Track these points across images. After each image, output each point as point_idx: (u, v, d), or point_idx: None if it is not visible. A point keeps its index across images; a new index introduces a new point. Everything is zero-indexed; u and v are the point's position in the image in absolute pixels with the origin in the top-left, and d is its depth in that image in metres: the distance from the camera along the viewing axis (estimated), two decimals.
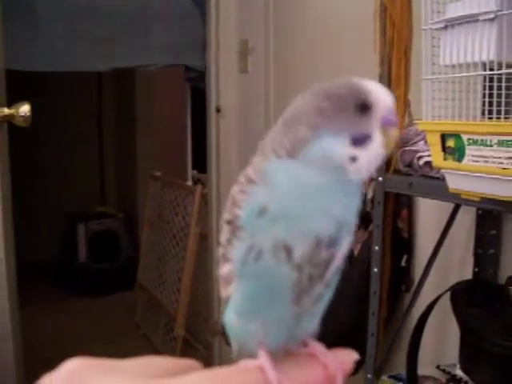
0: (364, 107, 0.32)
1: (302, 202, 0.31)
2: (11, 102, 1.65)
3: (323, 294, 0.34)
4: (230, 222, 0.33)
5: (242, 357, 0.34)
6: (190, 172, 3.32)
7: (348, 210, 0.32)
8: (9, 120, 1.51)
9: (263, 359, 0.32)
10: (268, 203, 0.31)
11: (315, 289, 0.33)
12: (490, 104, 0.89)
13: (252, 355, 0.33)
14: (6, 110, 1.49)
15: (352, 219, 0.32)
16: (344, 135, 0.31)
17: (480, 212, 1.42)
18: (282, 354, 0.34)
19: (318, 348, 0.34)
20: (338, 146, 0.31)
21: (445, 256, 1.50)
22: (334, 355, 0.34)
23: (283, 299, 0.33)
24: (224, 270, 0.35)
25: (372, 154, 0.32)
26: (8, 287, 1.65)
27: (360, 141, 0.31)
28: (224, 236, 0.34)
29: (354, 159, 0.31)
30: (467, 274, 1.45)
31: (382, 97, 0.32)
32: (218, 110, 2.60)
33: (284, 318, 0.33)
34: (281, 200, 0.31)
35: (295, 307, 0.33)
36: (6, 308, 1.65)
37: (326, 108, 0.31)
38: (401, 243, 1.63)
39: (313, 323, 0.35)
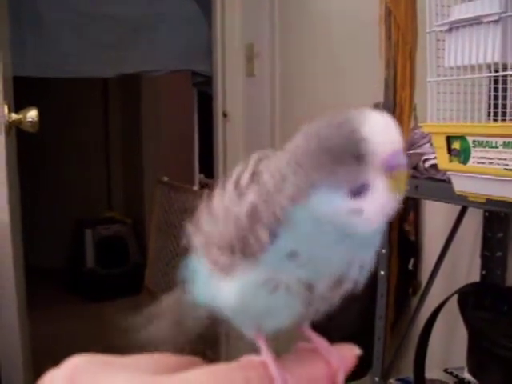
0: (360, 156, 0.29)
1: (325, 249, 0.31)
2: (18, 107, 1.66)
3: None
4: (245, 237, 0.31)
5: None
6: (197, 177, 3.32)
7: (369, 250, 0.32)
8: (16, 125, 1.52)
9: (266, 355, 0.32)
10: (297, 248, 0.31)
11: (325, 305, 0.33)
12: (496, 106, 0.89)
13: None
14: (14, 116, 1.50)
15: (366, 262, 0.32)
16: (341, 190, 0.29)
17: (487, 214, 1.42)
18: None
19: (322, 343, 0.34)
20: (336, 203, 0.29)
21: (452, 259, 1.49)
22: (337, 351, 0.34)
23: (288, 315, 0.33)
24: (220, 259, 0.33)
25: (378, 202, 0.30)
26: (16, 292, 1.65)
27: (360, 191, 0.29)
28: (219, 225, 0.33)
29: (358, 212, 0.29)
30: (475, 276, 1.44)
31: (381, 139, 0.29)
32: (224, 115, 2.60)
33: (285, 322, 0.34)
34: (307, 246, 0.31)
35: (300, 316, 0.33)
36: (14, 313, 1.66)
37: (323, 163, 0.29)
38: (408, 246, 1.63)
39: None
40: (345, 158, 0.29)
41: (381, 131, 0.29)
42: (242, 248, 0.31)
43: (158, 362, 0.31)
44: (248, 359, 0.32)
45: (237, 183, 0.34)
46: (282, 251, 0.31)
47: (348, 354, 0.34)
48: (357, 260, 0.32)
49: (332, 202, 0.29)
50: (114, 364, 0.29)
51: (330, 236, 0.30)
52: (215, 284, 0.34)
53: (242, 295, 0.33)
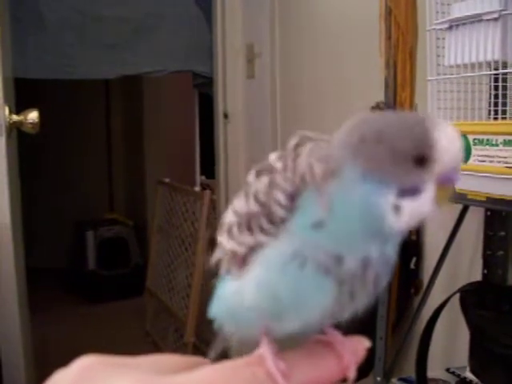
0: (423, 160, 0.29)
1: (357, 226, 0.30)
2: (19, 109, 1.66)
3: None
4: (264, 205, 0.31)
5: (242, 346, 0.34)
6: (199, 178, 3.33)
7: (392, 241, 0.31)
8: (17, 127, 1.52)
9: (265, 349, 0.31)
10: (326, 219, 0.30)
11: (351, 307, 0.32)
12: (496, 104, 0.89)
13: (252, 342, 0.33)
14: (15, 117, 1.50)
15: (390, 256, 0.32)
16: (393, 186, 0.29)
17: (488, 213, 1.41)
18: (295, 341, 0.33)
19: (336, 336, 0.34)
20: (383, 197, 0.29)
21: (453, 258, 1.49)
22: (350, 344, 0.33)
23: (311, 310, 0.32)
24: (230, 246, 0.33)
25: (418, 207, 0.30)
26: (18, 294, 1.65)
27: (408, 192, 0.29)
28: (242, 207, 0.33)
29: (397, 209, 0.29)
30: (476, 275, 1.44)
31: (447, 151, 0.29)
32: (225, 116, 2.60)
33: (303, 321, 0.32)
34: (340, 219, 0.30)
35: (322, 318, 0.32)
36: (15, 314, 1.66)
37: (380, 155, 0.29)
38: (409, 246, 1.62)
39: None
40: (407, 158, 0.29)
41: (451, 143, 0.29)
42: (265, 218, 0.31)
43: (165, 363, 0.31)
44: (254, 355, 0.32)
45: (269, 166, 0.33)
46: (307, 220, 0.30)
47: (359, 347, 0.34)
48: (378, 250, 0.31)
49: (379, 194, 0.29)
50: (123, 365, 0.29)
51: (358, 217, 0.30)
52: (233, 287, 0.34)
53: (267, 279, 0.32)
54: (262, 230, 0.31)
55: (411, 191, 0.29)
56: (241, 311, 0.34)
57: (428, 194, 0.30)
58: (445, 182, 0.30)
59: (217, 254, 0.36)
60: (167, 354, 0.31)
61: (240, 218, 0.33)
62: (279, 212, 0.31)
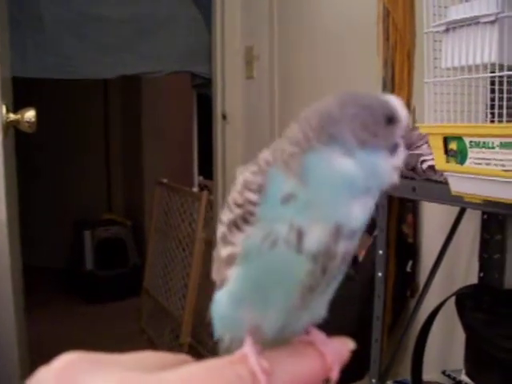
0: (392, 121, 0.33)
1: (334, 192, 0.31)
2: (17, 107, 1.66)
3: (330, 287, 0.34)
4: (240, 206, 0.33)
5: (232, 349, 0.34)
6: (197, 178, 3.32)
7: (365, 209, 0.33)
8: (14, 125, 1.52)
9: (248, 347, 0.32)
10: (297, 191, 0.31)
11: (324, 283, 0.33)
12: (492, 107, 0.89)
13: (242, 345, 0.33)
14: (12, 116, 1.49)
15: (365, 219, 0.33)
16: (384, 149, 0.33)
17: (485, 217, 1.41)
18: (279, 343, 0.34)
19: (319, 336, 0.34)
20: (382, 161, 0.33)
21: (450, 261, 1.49)
22: (333, 344, 0.33)
23: (290, 289, 0.33)
24: (224, 252, 0.34)
25: (401, 160, 0.34)
26: (13, 292, 1.65)
27: (393, 150, 0.34)
28: (227, 216, 0.34)
29: (395, 168, 0.33)
30: (472, 278, 1.44)
31: (403, 111, 0.34)
32: (223, 117, 2.61)
33: (285, 307, 0.33)
34: (315, 188, 0.31)
35: (300, 299, 0.33)
36: (11, 313, 1.65)
37: (368, 122, 0.33)
38: (406, 248, 1.63)
39: (315, 315, 0.35)
40: (381, 119, 0.33)
41: (401, 105, 0.34)
42: (241, 204, 0.33)
43: (150, 360, 0.31)
44: (237, 354, 0.32)
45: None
46: (275, 197, 0.32)
47: (343, 348, 0.34)
48: (354, 214, 0.32)
49: (378, 162, 0.33)
50: (107, 362, 0.29)
51: (340, 182, 0.32)
52: (222, 290, 0.35)
53: (246, 268, 0.33)
54: (241, 230, 0.33)
55: (394, 149, 0.34)
56: (229, 312, 0.35)
57: (402, 147, 0.34)
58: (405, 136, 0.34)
59: (214, 265, 0.37)
60: (152, 351, 0.31)
61: (225, 225, 0.34)
62: (252, 208, 0.32)
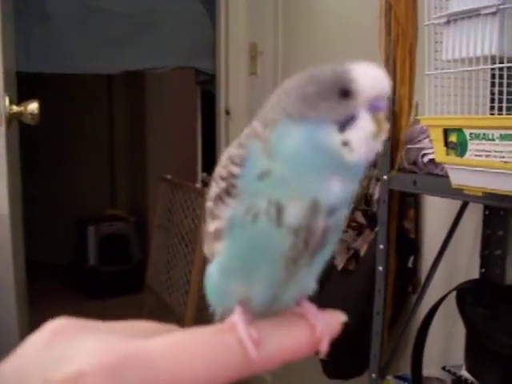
0: (347, 93, 0.32)
1: (304, 167, 0.31)
2: (21, 101, 1.66)
3: (315, 260, 0.34)
4: (224, 179, 0.33)
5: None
6: (200, 175, 3.33)
7: (347, 185, 0.32)
8: (17, 117, 1.53)
9: (237, 316, 0.32)
10: (271, 167, 0.32)
11: (308, 256, 0.33)
12: (493, 99, 0.89)
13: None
14: (15, 108, 1.50)
15: (349, 195, 0.33)
16: (329, 122, 0.31)
17: (487, 212, 1.41)
18: (271, 315, 0.34)
19: (310, 308, 0.34)
20: (325, 135, 0.31)
21: (451, 256, 1.49)
22: (324, 317, 0.34)
23: (274, 261, 0.33)
24: (211, 226, 0.35)
25: (362, 134, 0.31)
26: (16, 286, 1.65)
27: (346, 124, 0.31)
28: (214, 190, 0.34)
29: (345, 143, 0.31)
30: (474, 274, 1.44)
31: (368, 82, 0.32)
32: (227, 113, 2.61)
33: (271, 279, 0.34)
34: (284, 164, 0.31)
35: (285, 272, 0.33)
36: (13, 308, 1.65)
37: (310, 95, 0.32)
38: (408, 244, 1.62)
39: (303, 287, 0.35)
40: (332, 92, 0.32)
41: (370, 75, 0.32)
42: (226, 177, 0.33)
43: (139, 328, 0.31)
44: (227, 323, 0.32)
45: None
46: (254, 171, 0.32)
47: (333, 321, 0.34)
48: (333, 190, 0.32)
49: (320, 136, 0.31)
50: (94, 328, 0.29)
51: (311, 157, 0.31)
52: (212, 263, 0.36)
53: (232, 241, 0.33)
54: (225, 203, 0.33)
55: (348, 122, 0.31)
56: (219, 284, 0.36)
57: (363, 121, 0.31)
58: (374, 111, 0.32)
59: (205, 240, 0.37)
60: (142, 320, 0.32)
61: (212, 200, 0.35)
62: (235, 181, 0.33)
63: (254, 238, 0.32)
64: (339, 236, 0.35)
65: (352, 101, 0.32)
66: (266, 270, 0.33)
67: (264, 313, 0.34)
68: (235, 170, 0.33)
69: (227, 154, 0.34)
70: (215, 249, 0.35)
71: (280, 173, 0.31)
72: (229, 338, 0.30)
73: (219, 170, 0.34)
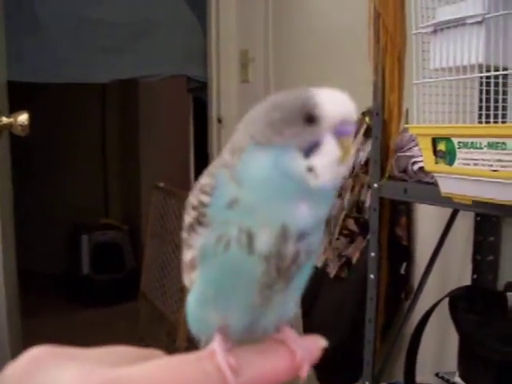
0: (312, 119, 0.32)
1: (271, 193, 0.31)
2: (13, 110, 1.66)
3: (291, 285, 0.34)
4: (195, 208, 0.34)
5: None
6: (193, 182, 3.32)
7: (316, 209, 0.32)
8: (7, 129, 1.52)
9: (216, 344, 0.32)
10: (239, 195, 0.31)
11: (282, 282, 0.33)
12: (480, 107, 0.89)
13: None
14: (5, 119, 1.50)
15: (320, 220, 0.33)
16: (294, 148, 0.31)
17: (478, 218, 1.42)
18: (252, 342, 0.34)
19: (290, 334, 0.34)
20: (290, 161, 0.31)
21: (443, 263, 1.49)
22: (304, 342, 0.34)
23: (248, 289, 0.33)
24: (187, 256, 0.35)
25: (327, 159, 0.32)
26: (7, 295, 1.64)
27: (311, 149, 0.32)
28: (187, 220, 0.35)
29: (310, 169, 0.31)
30: (466, 280, 1.44)
31: (332, 107, 0.32)
32: (219, 121, 2.61)
33: (247, 306, 0.34)
34: (251, 191, 0.31)
35: (260, 298, 0.33)
36: (4, 318, 1.64)
37: (276, 121, 0.32)
38: (400, 251, 1.62)
39: (282, 313, 0.35)
40: (297, 118, 0.32)
41: (335, 101, 0.32)
42: (196, 206, 0.34)
43: (118, 354, 0.31)
44: (206, 350, 0.32)
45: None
46: (221, 201, 0.32)
47: (314, 346, 0.34)
48: (304, 212, 0.31)
49: (285, 161, 0.31)
50: (72, 356, 0.29)
51: (276, 184, 0.31)
52: (190, 292, 0.36)
53: (206, 270, 0.34)
54: (197, 232, 0.33)
55: (312, 148, 0.32)
56: (197, 313, 0.36)
57: (328, 146, 0.32)
58: (340, 135, 0.32)
59: (183, 270, 0.37)
60: (121, 345, 0.32)
61: (185, 229, 0.35)
62: (205, 210, 0.33)
63: (227, 266, 0.32)
64: (314, 260, 0.34)
65: (317, 126, 0.32)
66: (241, 296, 0.33)
67: (244, 339, 0.34)
68: (205, 199, 0.33)
69: (198, 184, 0.34)
70: (192, 278, 0.35)
71: (248, 200, 0.31)
72: (208, 365, 0.30)
73: (191, 199, 0.35)
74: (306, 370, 0.33)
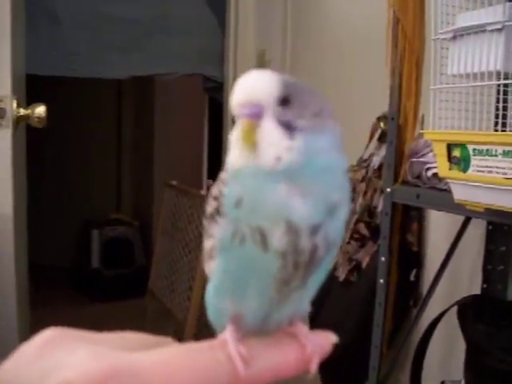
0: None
1: (257, 191, 0.31)
2: (30, 104, 1.67)
3: (308, 281, 0.34)
4: (216, 198, 0.34)
5: None
6: (206, 181, 3.33)
7: (310, 195, 0.31)
8: (25, 120, 1.54)
9: (228, 333, 0.32)
10: (241, 195, 0.32)
11: (300, 277, 0.33)
12: (497, 115, 0.89)
13: None
14: (22, 111, 1.51)
15: (327, 207, 0.31)
16: None
17: (490, 227, 1.41)
18: (265, 334, 0.34)
19: (301, 328, 0.34)
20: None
21: (454, 271, 1.49)
22: (315, 337, 0.34)
23: (264, 284, 0.33)
24: (207, 244, 0.35)
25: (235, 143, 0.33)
26: (17, 288, 1.65)
27: None
28: (208, 209, 0.35)
29: None
30: (476, 289, 1.43)
31: (235, 93, 0.32)
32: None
33: (263, 300, 0.34)
34: (249, 192, 0.31)
35: (276, 293, 0.33)
36: (14, 311, 1.65)
37: None
38: (410, 257, 1.62)
39: (297, 308, 0.35)
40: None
41: (238, 85, 0.32)
42: (217, 196, 0.34)
43: (131, 340, 0.31)
44: (218, 339, 0.32)
45: None
46: (230, 200, 0.32)
47: (325, 341, 0.34)
48: (299, 201, 0.31)
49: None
50: (86, 339, 0.29)
51: (253, 180, 0.31)
52: (210, 279, 0.36)
53: (222, 262, 0.34)
54: (217, 222, 0.34)
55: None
56: (214, 302, 0.36)
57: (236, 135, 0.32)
58: (240, 117, 0.32)
59: (204, 258, 0.37)
60: (134, 332, 0.32)
61: (207, 218, 0.35)
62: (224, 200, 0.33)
63: (243, 260, 0.32)
64: (334, 253, 0.34)
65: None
66: (256, 290, 0.33)
67: (257, 331, 0.35)
68: (224, 189, 0.33)
69: (220, 177, 0.35)
70: (211, 267, 0.35)
71: (248, 199, 0.31)
72: (219, 354, 0.31)
73: (213, 190, 0.35)
74: (315, 364, 0.33)
